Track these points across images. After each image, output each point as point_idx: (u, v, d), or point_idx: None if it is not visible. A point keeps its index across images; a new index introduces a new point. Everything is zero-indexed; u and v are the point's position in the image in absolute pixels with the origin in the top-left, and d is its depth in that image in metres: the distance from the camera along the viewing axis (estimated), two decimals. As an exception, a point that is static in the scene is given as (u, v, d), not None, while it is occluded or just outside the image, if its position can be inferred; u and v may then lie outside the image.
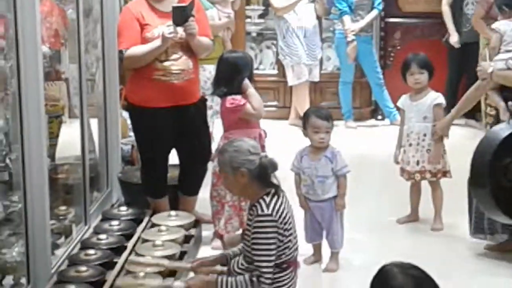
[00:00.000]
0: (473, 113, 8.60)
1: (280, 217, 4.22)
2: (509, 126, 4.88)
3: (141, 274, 4.43)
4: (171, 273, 4.64)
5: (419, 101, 5.84)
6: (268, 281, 4.20)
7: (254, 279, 4.18)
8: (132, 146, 6.51)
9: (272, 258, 4.21)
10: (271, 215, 4.19)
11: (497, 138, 4.83)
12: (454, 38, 8.96)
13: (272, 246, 4.20)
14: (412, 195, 6.00)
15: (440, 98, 5.86)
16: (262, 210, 4.21)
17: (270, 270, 4.21)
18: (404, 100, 5.91)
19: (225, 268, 4.46)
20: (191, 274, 4.65)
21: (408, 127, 5.86)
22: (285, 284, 4.36)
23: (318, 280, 5.06)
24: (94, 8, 5.92)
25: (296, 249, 4.48)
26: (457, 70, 9.04)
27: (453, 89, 8.88)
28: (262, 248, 4.20)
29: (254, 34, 9.98)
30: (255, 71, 7.83)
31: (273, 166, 4.35)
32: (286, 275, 4.37)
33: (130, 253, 4.83)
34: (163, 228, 5.10)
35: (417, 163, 5.79)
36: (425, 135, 5.81)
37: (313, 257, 5.23)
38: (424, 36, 9.69)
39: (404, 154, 5.86)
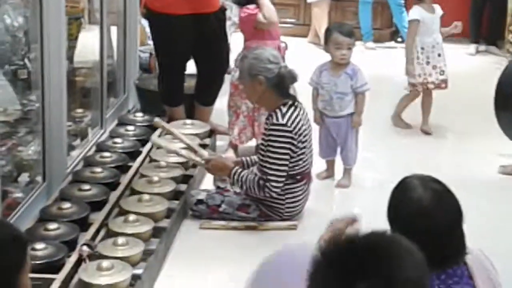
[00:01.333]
0: (495, 40, 8.52)
1: (295, 128, 4.24)
2: None
3: (155, 178, 4.48)
4: (184, 180, 4.69)
5: (435, 13, 5.98)
6: (274, 190, 4.25)
7: (261, 182, 4.24)
8: (150, 54, 6.49)
9: (282, 168, 4.24)
10: (286, 124, 4.21)
11: None
12: None
13: (284, 156, 4.23)
14: (426, 106, 6.07)
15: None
16: (277, 120, 4.24)
17: (278, 179, 4.25)
18: (420, 12, 5.95)
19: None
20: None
21: (433, 39, 5.94)
22: (298, 196, 4.42)
23: (330, 195, 5.08)
24: None
25: (311, 162, 4.51)
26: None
27: (477, 16, 8.74)
28: (273, 156, 4.24)
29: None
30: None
31: (292, 77, 4.35)
32: (299, 187, 4.41)
33: (144, 158, 4.87)
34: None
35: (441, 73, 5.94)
36: (438, 43, 6.00)
37: (326, 173, 5.25)
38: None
39: (427, 65, 5.90)
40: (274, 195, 4.27)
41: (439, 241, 2.26)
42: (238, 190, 4.48)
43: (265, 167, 4.25)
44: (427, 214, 2.28)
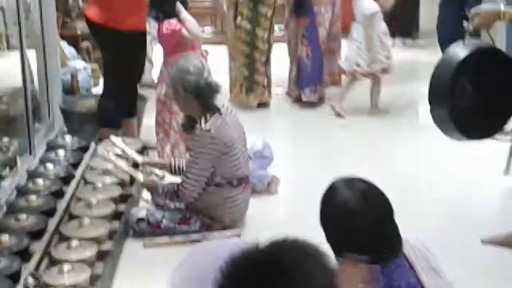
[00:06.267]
0: (410, 32, 8.65)
1: (220, 135, 4.26)
2: (465, 46, 4.71)
3: (94, 201, 4.40)
4: (122, 199, 4.62)
5: None
6: (187, 192, 4.27)
7: (177, 188, 4.29)
8: (72, 75, 6.38)
9: (200, 172, 4.24)
10: (209, 131, 4.25)
11: (455, 59, 4.70)
12: None
13: (203, 161, 4.24)
14: None
15: None
16: (201, 126, 4.28)
17: (193, 183, 4.26)
18: None
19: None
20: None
21: None
22: (237, 201, 4.44)
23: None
24: None
25: (246, 168, 4.50)
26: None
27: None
28: (192, 160, 4.28)
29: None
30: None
31: (212, 90, 4.37)
32: (237, 192, 4.41)
33: (79, 182, 4.78)
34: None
35: None
36: None
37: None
38: None
39: None
40: (189, 199, 4.29)
41: (372, 237, 2.30)
42: (178, 204, 4.46)
43: (186, 171, 4.29)
44: (353, 214, 2.31)
